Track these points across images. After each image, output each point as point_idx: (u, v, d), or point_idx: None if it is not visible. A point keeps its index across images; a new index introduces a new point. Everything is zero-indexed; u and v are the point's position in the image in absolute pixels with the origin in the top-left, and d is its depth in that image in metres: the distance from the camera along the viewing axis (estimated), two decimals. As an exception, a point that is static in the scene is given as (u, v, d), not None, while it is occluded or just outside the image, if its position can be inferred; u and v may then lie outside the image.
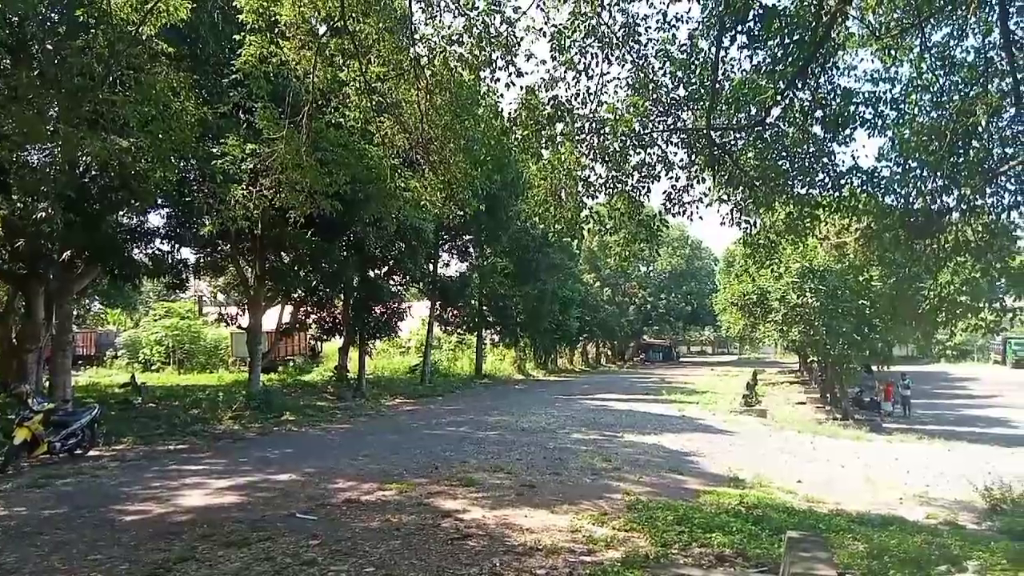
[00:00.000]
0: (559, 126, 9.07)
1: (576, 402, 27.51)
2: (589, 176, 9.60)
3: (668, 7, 8.56)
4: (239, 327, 25.48)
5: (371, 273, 26.16)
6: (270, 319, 28.04)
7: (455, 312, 36.70)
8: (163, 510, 9.26)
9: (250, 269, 23.11)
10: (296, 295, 26.45)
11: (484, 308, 38.46)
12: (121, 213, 18.45)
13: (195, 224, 19.13)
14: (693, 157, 9.27)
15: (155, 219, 20.99)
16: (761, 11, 7.72)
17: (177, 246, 20.79)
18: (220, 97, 15.65)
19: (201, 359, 35.03)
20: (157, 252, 20.05)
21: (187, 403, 20.18)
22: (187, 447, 14.95)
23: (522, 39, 8.83)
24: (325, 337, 30.38)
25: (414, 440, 16.24)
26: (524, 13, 8.77)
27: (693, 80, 8.75)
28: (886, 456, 17.20)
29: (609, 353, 69.58)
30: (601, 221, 10.00)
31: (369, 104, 10.38)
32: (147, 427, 16.42)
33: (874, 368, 30.49)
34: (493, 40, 8.76)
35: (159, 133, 11.48)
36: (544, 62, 8.82)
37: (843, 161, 8.87)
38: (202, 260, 23.55)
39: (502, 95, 10.01)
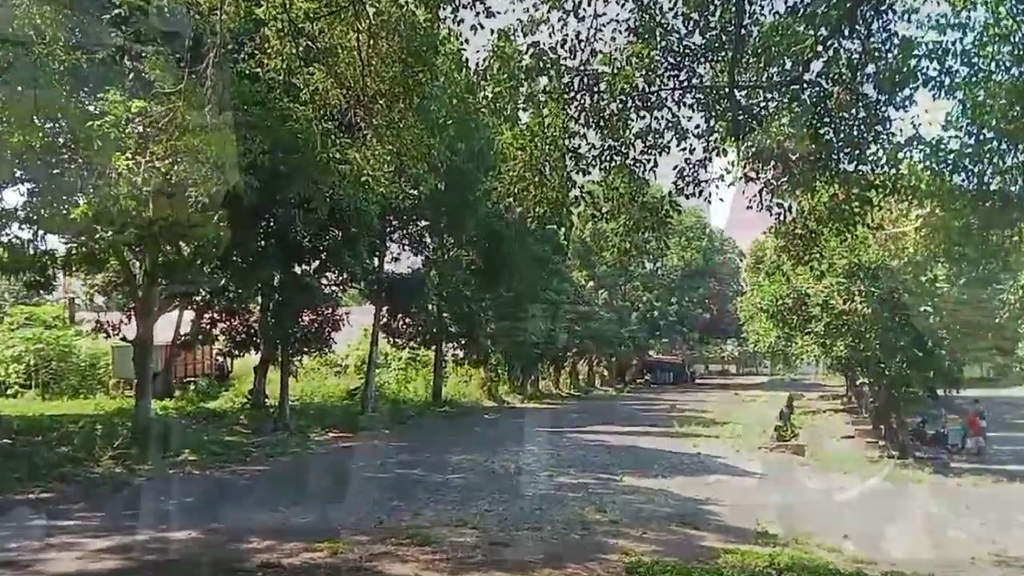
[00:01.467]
0: (541, 81, 9.09)
1: (563, 436, 27.58)
2: (579, 146, 9.64)
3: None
4: (123, 339, 25.07)
5: (297, 269, 25.93)
6: (165, 329, 27.67)
7: (407, 320, 36.47)
8: (21, 580, 9.10)
9: (138, 264, 22.76)
10: (199, 298, 26.13)
11: (444, 315, 38.26)
12: (-34, 190, 18.11)
13: (65, 205, 18.80)
14: (712, 123, 9.34)
15: (12, 197, 20.63)
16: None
17: (41, 233, 20.41)
18: (99, 39, 15.42)
19: (73, 381, 34.46)
20: (14, 241, 19.68)
21: (54, 438, 19.83)
22: (54, 496, 14.72)
23: (494, -32, 8.85)
24: (237, 352, 30.07)
25: (352, 486, 16.17)
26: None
27: (712, 25, 8.82)
28: (954, 503, 17.49)
29: (606, 373, 69.92)
30: (595, 203, 10.04)
31: (295, 50, 10.30)
32: (0, 470, 16.15)
33: (940, 393, 30.93)
34: (456, -31, 8.76)
35: (18, 85, 11.28)
36: (522, -1, 8.83)
37: (901, 130, 9.03)
38: (74, 251, 23.12)
39: (467, 40, 9.99)
